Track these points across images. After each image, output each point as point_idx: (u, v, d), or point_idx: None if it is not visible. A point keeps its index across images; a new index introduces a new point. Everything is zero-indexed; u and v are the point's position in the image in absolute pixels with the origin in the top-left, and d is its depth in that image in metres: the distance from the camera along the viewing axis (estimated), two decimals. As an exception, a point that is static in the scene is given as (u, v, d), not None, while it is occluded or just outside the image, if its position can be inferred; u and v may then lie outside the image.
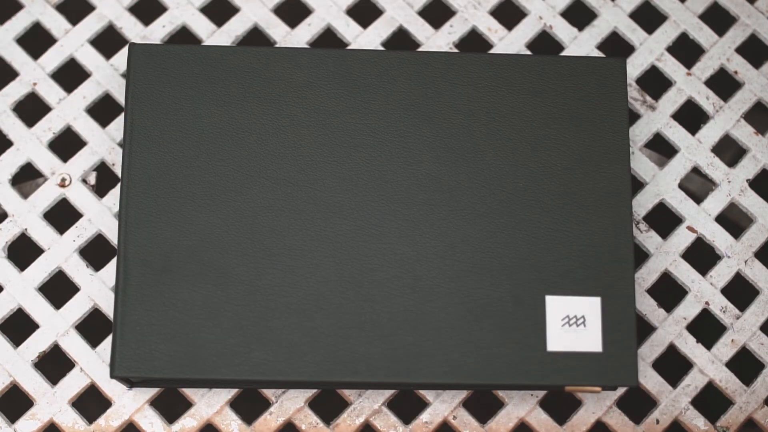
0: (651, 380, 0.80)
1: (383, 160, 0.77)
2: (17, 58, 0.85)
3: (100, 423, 0.78)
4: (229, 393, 0.79)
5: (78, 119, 0.84)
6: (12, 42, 0.85)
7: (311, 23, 0.86)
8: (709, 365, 0.80)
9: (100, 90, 0.84)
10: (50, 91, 0.84)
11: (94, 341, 0.79)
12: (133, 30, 0.86)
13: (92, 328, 0.82)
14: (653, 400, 0.80)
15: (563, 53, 0.86)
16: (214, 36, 0.86)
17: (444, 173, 0.77)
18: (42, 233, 0.81)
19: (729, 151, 0.88)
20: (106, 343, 0.79)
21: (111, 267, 0.80)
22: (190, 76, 0.78)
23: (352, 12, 0.87)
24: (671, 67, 0.86)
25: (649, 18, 0.88)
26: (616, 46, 0.88)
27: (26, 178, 0.85)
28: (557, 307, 0.75)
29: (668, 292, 0.82)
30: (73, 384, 0.79)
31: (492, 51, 0.86)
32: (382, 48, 0.86)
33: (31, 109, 0.85)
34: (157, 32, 0.86)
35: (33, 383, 0.79)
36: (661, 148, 0.86)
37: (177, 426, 0.78)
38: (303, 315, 0.74)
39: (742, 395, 0.80)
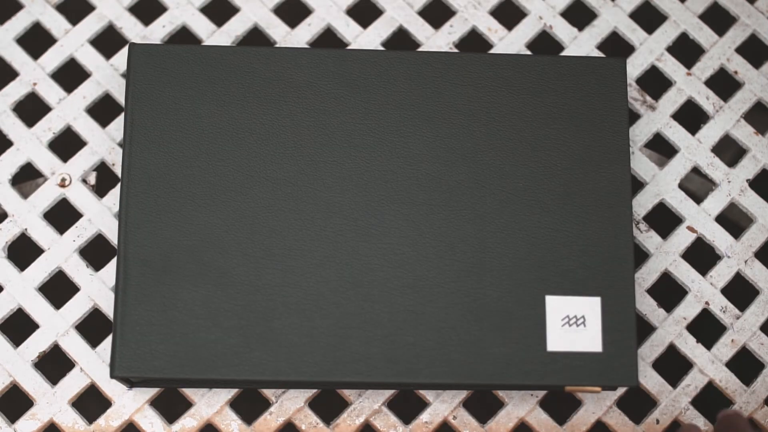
0: (651, 380, 0.80)
1: (383, 159, 0.77)
2: (17, 58, 0.85)
3: (100, 423, 0.78)
4: (229, 393, 0.79)
5: (78, 119, 0.84)
6: (12, 42, 0.85)
7: (311, 23, 0.86)
8: (709, 365, 0.80)
9: (100, 90, 0.84)
10: (50, 91, 0.84)
11: (94, 341, 0.79)
12: (133, 30, 0.86)
13: (92, 328, 0.82)
14: (653, 400, 0.80)
15: (563, 53, 0.86)
16: (214, 36, 0.86)
17: (444, 173, 0.77)
18: (42, 233, 0.81)
19: (729, 151, 0.87)
20: (106, 343, 0.79)
21: (111, 267, 0.80)
22: (190, 76, 0.78)
23: (352, 12, 0.87)
24: (671, 67, 0.86)
25: (649, 18, 0.88)
26: (616, 46, 0.88)
27: (26, 178, 0.85)
28: (557, 307, 0.75)
29: (668, 292, 0.82)
30: (73, 384, 0.79)
31: (492, 51, 0.86)
32: (382, 48, 0.86)
33: (31, 109, 0.85)
34: (157, 32, 0.86)
35: (33, 383, 0.79)
36: (661, 148, 0.86)
37: (177, 426, 0.78)
38: (303, 315, 0.74)
39: (742, 395, 0.80)
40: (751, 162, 0.84)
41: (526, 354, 0.75)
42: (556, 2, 0.87)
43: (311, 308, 0.74)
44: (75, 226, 0.81)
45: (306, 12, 0.87)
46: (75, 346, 0.79)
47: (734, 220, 0.88)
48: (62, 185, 0.82)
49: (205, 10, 0.87)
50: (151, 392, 0.79)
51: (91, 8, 0.86)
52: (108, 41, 0.86)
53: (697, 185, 0.88)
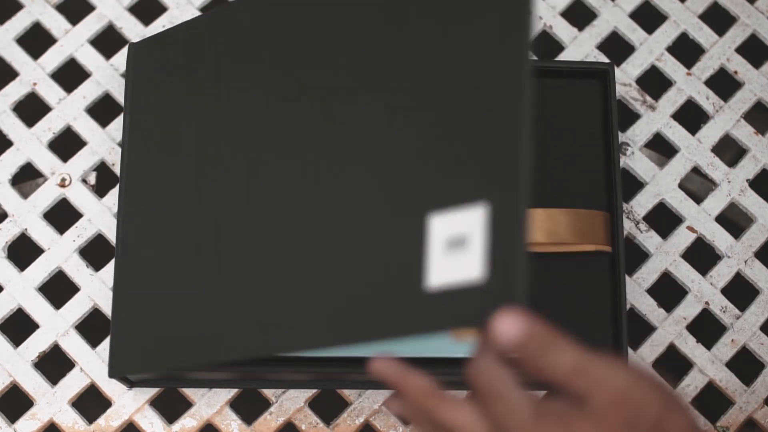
0: (651, 380, 0.80)
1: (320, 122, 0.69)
2: (17, 58, 0.85)
3: (100, 423, 0.78)
4: (229, 393, 0.79)
5: (78, 119, 0.84)
6: (12, 42, 0.85)
7: (311, 23, 0.86)
8: (709, 365, 0.80)
9: (100, 90, 0.84)
10: (50, 91, 0.84)
11: (94, 341, 0.79)
12: (133, 30, 0.86)
13: (92, 328, 0.82)
14: (653, 400, 0.80)
15: (563, 53, 0.86)
16: (214, 36, 0.86)
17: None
18: (42, 233, 0.81)
19: (729, 151, 0.87)
20: (106, 343, 0.79)
21: (111, 267, 0.80)
22: (186, 65, 0.76)
23: (352, 12, 0.87)
24: (671, 67, 0.86)
25: (649, 18, 0.88)
26: (616, 46, 0.88)
27: (26, 178, 0.85)
28: (437, 229, 0.60)
29: (668, 292, 0.82)
30: (73, 384, 0.79)
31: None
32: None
33: (31, 109, 0.85)
34: (156, 32, 0.85)
35: (33, 383, 0.79)
36: (661, 148, 0.86)
37: (177, 426, 0.78)
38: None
39: (742, 395, 0.80)
40: (751, 162, 0.84)
41: (401, 294, 0.60)
42: (556, 2, 0.87)
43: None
44: (75, 226, 0.81)
45: (306, 12, 0.87)
46: (75, 346, 0.79)
47: (734, 220, 0.88)
48: (62, 185, 0.82)
49: (205, 10, 0.87)
50: (151, 392, 0.79)
51: (91, 8, 0.86)
52: (108, 41, 0.86)
53: (697, 185, 0.88)
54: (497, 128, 0.59)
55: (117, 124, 0.83)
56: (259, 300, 0.69)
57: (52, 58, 0.85)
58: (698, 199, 0.84)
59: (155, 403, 0.79)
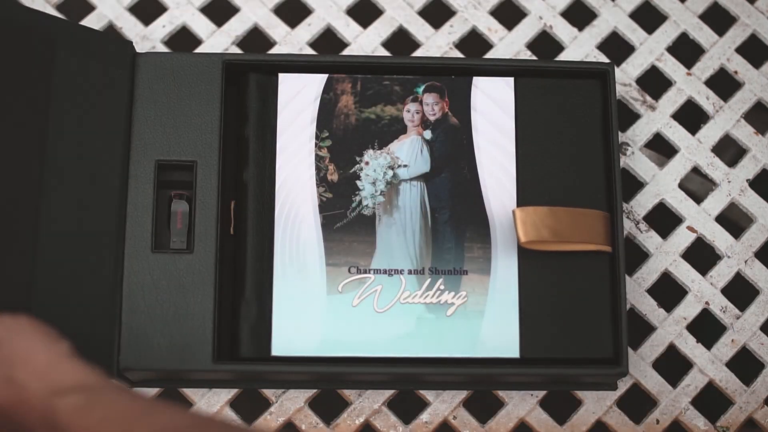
0: (651, 380, 0.80)
1: None
2: (17, 58, 0.85)
3: (100, 423, 0.78)
4: (229, 393, 0.79)
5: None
6: (12, 42, 0.85)
7: (311, 23, 0.86)
8: (709, 365, 0.80)
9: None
10: (50, 91, 0.84)
11: (94, 341, 0.79)
12: (133, 30, 0.86)
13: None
14: (653, 400, 0.80)
15: (563, 53, 0.86)
16: (214, 36, 0.86)
17: None
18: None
19: (729, 151, 0.88)
20: (106, 343, 0.79)
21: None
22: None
23: (352, 12, 0.87)
24: (671, 67, 0.86)
25: (649, 18, 0.88)
26: (616, 46, 0.88)
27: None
28: None
29: (668, 292, 0.82)
30: (73, 384, 0.79)
31: (492, 51, 0.86)
32: (382, 48, 0.86)
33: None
34: (157, 32, 0.86)
35: (33, 383, 0.78)
36: (661, 148, 0.86)
37: (177, 426, 0.78)
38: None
39: (742, 395, 0.80)
40: (751, 162, 0.84)
41: None
42: (556, 2, 0.87)
43: None
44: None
45: (306, 12, 0.87)
46: (75, 346, 0.79)
47: (734, 220, 0.88)
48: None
49: (205, 10, 0.87)
50: (151, 392, 0.79)
51: (91, 8, 0.86)
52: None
53: (697, 185, 0.88)
54: None
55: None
56: None
57: (52, 58, 0.85)
58: (698, 199, 0.84)
59: (155, 403, 0.79)
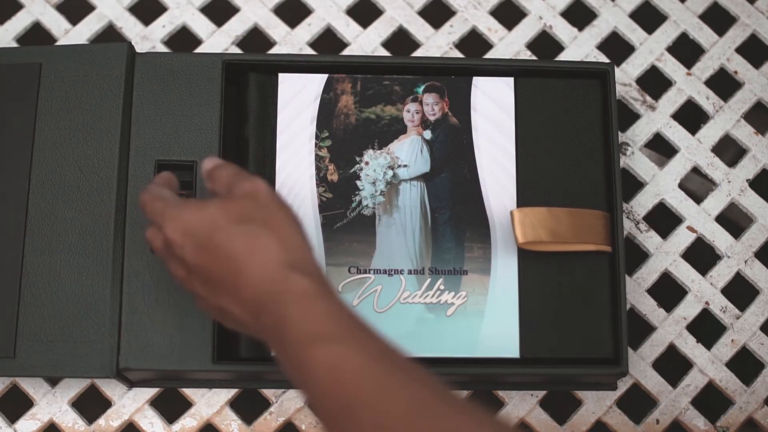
0: (651, 380, 0.80)
1: None
2: (17, 58, 0.85)
3: (100, 423, 0.78)
4: (229, 393, 0.79)
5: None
6: (12, 42, 0.85)
7: (311, 23, 0.86)
8: (709, 365, 0.80)
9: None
10: (50, 91, 0.84)
11: (94, 341, 0.79)
12: (133, 30, 0.86)
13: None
14: (653, 400, 0.80)
15: (563, 53, 0.86)
16: (214, 36, 0.86)
17: None
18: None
19: (729, 151, 0.88)
20: (106, 343, 0.79)
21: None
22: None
23: (352, 12, 0.87)
24: (671, 67, 0.86)
25: (649, 18, 0.88)
26: (616, 46, 0.88)
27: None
28: None
29: (668, 292, 0.82)
30: (73, 384, 0.79)
31: (492, 51, 0.86)
32: (382, 48, 0.86)
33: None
34: (157, 32, 0.86)
35: (33, 383, 0.79)
36: (661, 148, 0.86)
37: (177, 426, 0.78)
38: None
39: (742, 395, 0.80)
40: (751, 162, 0.84)
41: None
42: (556, 2, 0.87)
43: None
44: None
45: (306, 12, 0.87)
46: (75, 346, 0.79)
47: (734, 220, 0.88)
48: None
49: (205, 10, 0.87)
50: (151, 392, 0.79)
51: (91, 8, 0.86)
52: (108, 41, 0.86)
53: (697, 185, 0.88)
54: None
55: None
56: None
57: (52, 58, 0.85)
58: (698, 199, 0.84)
59: (155, 403, 0.79)
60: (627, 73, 0.86)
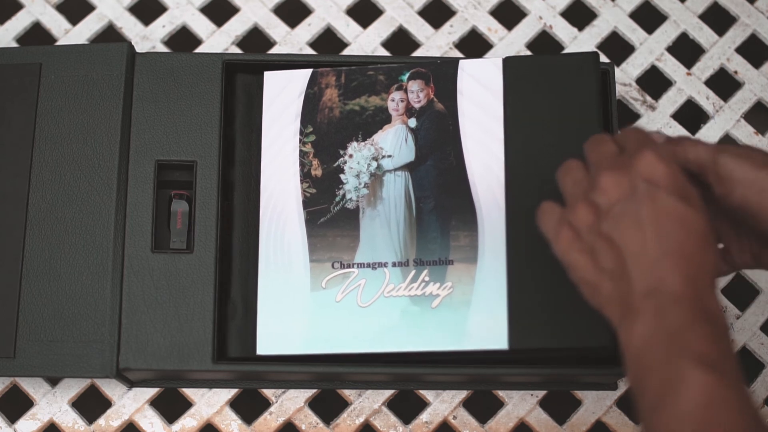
0: (651, 380, 0.80)
1: None
2: (17, 58, 0.85)
3: (100, 423, 0.78)
4: (229, 393, 0.79)
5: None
6: (12, 42, 0.85)
7: (311, 23, 0.86)
8: (709, 365, 0.80)
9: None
10: (50, 91, 0.84)
11: (94, 341, 0.79)
12: (133, 30, 0.86)
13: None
14: (653, 400, 0.80)
15: (563, 53, 0.86)
16: (214, 36, 0.86)
17: None
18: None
19: (729, 151, 0.87)
20: (106, 343, 0.79)
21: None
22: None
23: (352, 12, 0.87)
24: (671, 67, 0.86)
25: (649, 18, 0.88)
26: (616, 46, 0.88)
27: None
28: None
29: (668, 292, 0.82)
30: (73, 384, 0.79)
31: (492, 51, 0.86)
32: (382, 48, 0.86)
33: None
34: (157, 32, 0.86)
35: (33, 383, 0.79)
36: (661, 148, 0.86)
37: (177, 426, 0.78)
38: None
39: (742, 395, 0.80)
40: (751, 162, 0.84)
41: None
42: (556, 2, 0.87)
43: None
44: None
45: (306, 12, 0.87)
46: (75, 346, 0.79)
47: (734, 220, 0.88)
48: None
49: (205, 10, 0.87)
50: (151, 392, 0.79)
51: (91, 8, 0.86)
52: (108, 41, 0.86)
53: (697, 185, 0.88)
54: None
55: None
56: None
57: (52, 58, 0.85)
58: (698, 199, 0.84)
59: (155, 403, 0.79)
60: (627, 73, 0.86)
